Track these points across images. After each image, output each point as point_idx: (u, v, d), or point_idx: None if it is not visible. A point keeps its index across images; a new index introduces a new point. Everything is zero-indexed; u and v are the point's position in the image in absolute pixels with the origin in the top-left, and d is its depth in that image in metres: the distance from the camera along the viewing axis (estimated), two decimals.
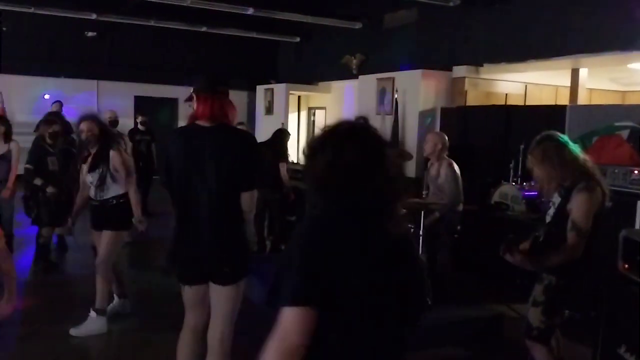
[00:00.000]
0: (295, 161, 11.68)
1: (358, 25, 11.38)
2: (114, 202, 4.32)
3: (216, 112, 2.76)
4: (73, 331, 4.19)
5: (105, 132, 4.39)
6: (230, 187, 2.77)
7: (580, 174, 2.89)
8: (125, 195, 4.34)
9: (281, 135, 6.93)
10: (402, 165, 1.45)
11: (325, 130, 1.60)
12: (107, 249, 4.30)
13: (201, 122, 2.79)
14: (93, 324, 4.23)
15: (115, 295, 4.68)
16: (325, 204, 1.56)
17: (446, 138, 5.23)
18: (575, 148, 2.98)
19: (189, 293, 2.95)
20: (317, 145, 1.57)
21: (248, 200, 2.82)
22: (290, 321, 1.44)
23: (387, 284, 1.55)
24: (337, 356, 1.53)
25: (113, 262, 4.43)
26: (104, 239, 4.31)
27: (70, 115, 10.24)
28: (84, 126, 4.25)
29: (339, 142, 1.54)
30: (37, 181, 5.68)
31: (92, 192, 4.36)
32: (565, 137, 3.03)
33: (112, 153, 4.28)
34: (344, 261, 1.48)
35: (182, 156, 2.80)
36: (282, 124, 12.76)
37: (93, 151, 4.29)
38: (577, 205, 2.83)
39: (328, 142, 1.55)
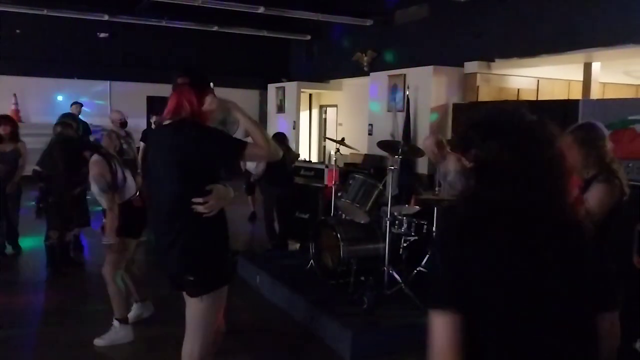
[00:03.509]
0: (309, 160, 11.74)
1: (369, 22, 11.38)
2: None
3: (170, 108, 2.61)
4: (97, 342, 4.12)
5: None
6: (189, 184, 2.55)
7: (602, 169, 2.94)
8: (128, 202, 4.22)
9: (283, 139, 6.98)
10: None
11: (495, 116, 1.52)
12: (109, 257, 4.19)
13: (169, 118, 2.64)
14: (116, 333, 4.15)
15: (134, 302, 4.59)
16: (473, 197, 1.48)
17: (439, 136, 5.23)
18: (609, 145, 3.02)
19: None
20: (487, 132, 1.48)
21: (254, 151, 2.59)
22: (435, 326, 1.42)
23: (540, 285, 1.42)
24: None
25: (122, 268, 4.29)
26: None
27: (84, 116, 10.42)
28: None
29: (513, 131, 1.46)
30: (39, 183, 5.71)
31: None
32: (606, 131, 3.05)
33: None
34: (488, 261, 1.41)
35: (150, 158, 2.79)
36: (294, 122, 12.82)
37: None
38: (594, 194, 2.88)
39: (500, 131, 1.47)
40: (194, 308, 2.60)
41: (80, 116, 9.61)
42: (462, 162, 1.54)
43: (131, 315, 4.44)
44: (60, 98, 12.92)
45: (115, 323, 4.17)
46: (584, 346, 1.48)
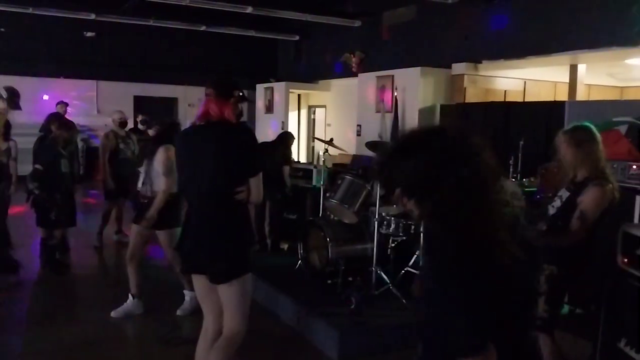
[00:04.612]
0: (297, 160, 11.72)
1: (357, 23, 11.39)
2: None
3: (200, 114, 2.93)
4: (113, 313, 4.62)
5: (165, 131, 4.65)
6: (227, 180, 2.85)
7: (595, 172, 3.00)
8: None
9: (286, 138, 6.98)
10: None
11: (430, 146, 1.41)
12: (131, 240, 4.71)
13: (199, 122, 2.96)
14: (131, 306, 4.68)
15: (130, 295, 4.73)
16: (454, 237, 1.39)
17: None
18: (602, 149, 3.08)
19: (196, 284, 3.07)
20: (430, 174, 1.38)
21: (256, 186, 2.89)
22: None
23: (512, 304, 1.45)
24: None
25: (138, 255, 4.70)
26: (146, 233, 4.57)
27: (70, 115, 10.32)
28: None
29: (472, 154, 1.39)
30: (31, 185, 5.65)
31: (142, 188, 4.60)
32: (599, 136, 3.11)
33: (159, 150, 4.47)
34: (492, 294, 1.36)
35: (186, 154, 3.01)
36: (283, 122, 12.79)
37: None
38: (590, 197, 2.93)
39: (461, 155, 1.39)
40: (227, 293, 2.88)
41: (66, 116, 9.51)
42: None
43: (124, 309, 4.67)
44: (46, 97, 12.78)
45: (131, 297, 4.69)
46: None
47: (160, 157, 4.42)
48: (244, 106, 3.20)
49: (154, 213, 4.37)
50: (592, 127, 3.12)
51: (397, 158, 1.43)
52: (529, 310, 1.60)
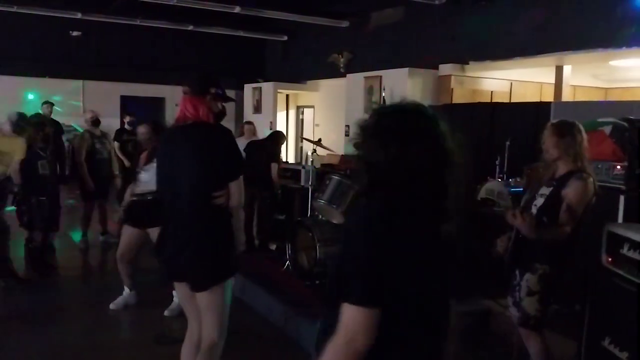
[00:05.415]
0: (285, 160, 11.70)
1: (345, 24, 11.41)
2: None
3: (178, 114, 2.82)
4: (112, 306, 4.83)
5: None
6: (204, 184, 2.73)
7: (577, 167, 3.04)
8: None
9: (277, 137, 6.99)
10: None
11: (384, 116, 1.54)
12: (122, 239, 4.85)
13: (177, 122, 2.86)
14: (127, 297, 4.90)
15: (125, 287, 4.92)
16: (383, 197, 1.49)
17: None
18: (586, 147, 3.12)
19: (178, 290, 3.00)
20: (376, 136, 1.51)
21: (236, 190, 2.75)
22: (358, 322, 1.40)
23: (435, 279, 1.55)
24: (392, 352, 1.49)
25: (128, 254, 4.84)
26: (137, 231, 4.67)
27: (56, 115, 10.23)
28: (141, 129, 4.89)
29: (405, 134, 1.48)
30: (13, 186, 5.56)
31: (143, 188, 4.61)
32: (585, 134, 3.15)
33: None
34: (404, 258, 1.45)
35: (163, 156, 2.91)
36: (271, 122, 12.77)
37: (148, 150, 4.64)
38: (575, 190, 2.97)
39: (392, 134, 1.49)
40: (205, 300, 2.78)
41: (52, 116, 9.43)
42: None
43: (121, 301, 4.88)
44: (31, 97, 12.65)
45: (127, 289, 4.90)
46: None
47: None
48: (232, 105, 3.12)
49: None
50: (580, 124, 3.15)
51: (366, 135, 1.55)
52: (446, 292, 1.63)
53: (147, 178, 4.52)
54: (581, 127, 3.12)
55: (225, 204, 2.74)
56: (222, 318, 2.84)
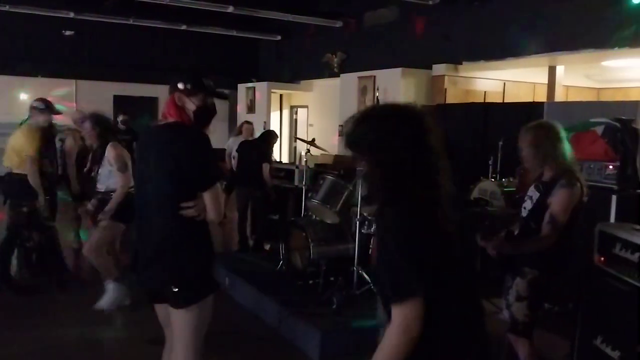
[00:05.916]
0: (278, 160, 11.70)
1: (339, 24, 11.41)
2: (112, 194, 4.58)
3: (164, 111, 2.57)
4: (100, 305, 4.55)
5: (104, 129, 4.81)
6: (175, 192, 2.43)
7: (562, 171, 2.97)
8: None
9: (269, 136, 6.99)
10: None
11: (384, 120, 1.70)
12: (97, 235, 4.63)
13: (159, 122, 2.68)
14: (114, 293, 4.59)
15: (107, 282, 4.77)
16: (406, 202, 1.64)
17: None
18: (567, 147, 3.03)
19: (157, 309, 2.67)
20: (380, 142, 1.66)
21: (210, 202, 2.44)
22: (412, 314, 1.54)
23: (461, 261, 1.70)
24: (441, 334, 1.63)
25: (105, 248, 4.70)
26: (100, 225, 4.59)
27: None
28: (86, 125, 4.81)
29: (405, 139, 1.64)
30: None
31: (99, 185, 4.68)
32: (564, 133, 3.06)
33: (108, 147, 4.64)
34: (433, 245, 1.61)
35: (139, 158, 2.66)
36: (265, 122, 12.76)
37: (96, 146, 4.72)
38: (558, 200, 2.90)
39: (395, 139, 1.64)
40: (180, 320, 2.46)
41: None
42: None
43: (108, 299, 4.63)
44: (24, 97, 12.58)
45: (109, 285, 4.59)
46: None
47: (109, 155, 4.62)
48: (225, 105, 2.99)
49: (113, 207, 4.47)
50: (555, 124, 3.07)
51: (355, 123, 1.72)
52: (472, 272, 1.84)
53: (105, 172, 4.68)
54: (556, 128, 3.03)
55: (202, 216, 2.45)
56: (196, 343, 2.51)
